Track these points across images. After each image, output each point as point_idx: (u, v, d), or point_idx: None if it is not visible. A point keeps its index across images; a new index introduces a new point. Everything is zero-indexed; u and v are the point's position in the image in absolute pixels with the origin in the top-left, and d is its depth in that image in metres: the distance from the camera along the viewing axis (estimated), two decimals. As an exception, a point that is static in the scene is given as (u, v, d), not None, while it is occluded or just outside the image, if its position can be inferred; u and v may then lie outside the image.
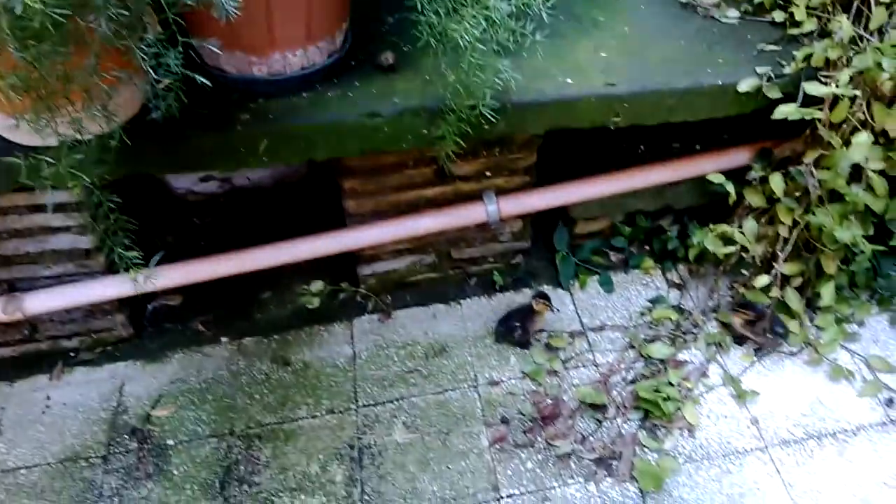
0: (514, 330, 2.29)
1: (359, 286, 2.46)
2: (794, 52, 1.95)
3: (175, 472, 2.06)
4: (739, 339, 2.28)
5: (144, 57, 1.35)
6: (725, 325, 2.32)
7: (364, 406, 2.20)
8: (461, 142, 1.80)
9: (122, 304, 2.28)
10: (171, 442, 2.13)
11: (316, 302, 2.31)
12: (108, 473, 2.06)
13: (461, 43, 1.51)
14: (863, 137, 1.88)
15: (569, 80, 1.86)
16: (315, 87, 1.83)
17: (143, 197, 2.61)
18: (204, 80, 1.41)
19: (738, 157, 2.23)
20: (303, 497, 2.00)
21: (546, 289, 2.47)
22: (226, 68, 1.82)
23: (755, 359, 2.24)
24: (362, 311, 2.46)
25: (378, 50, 1.91)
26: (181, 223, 2.77)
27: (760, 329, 2.21)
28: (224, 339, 2.41)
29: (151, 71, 1.39)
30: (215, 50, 1.50)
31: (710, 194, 2.35)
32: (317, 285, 2.29)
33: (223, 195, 2.86)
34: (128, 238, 1.64)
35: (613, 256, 2.56)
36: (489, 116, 1.71)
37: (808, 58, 1.92)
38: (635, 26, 2.11)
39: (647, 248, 2.55)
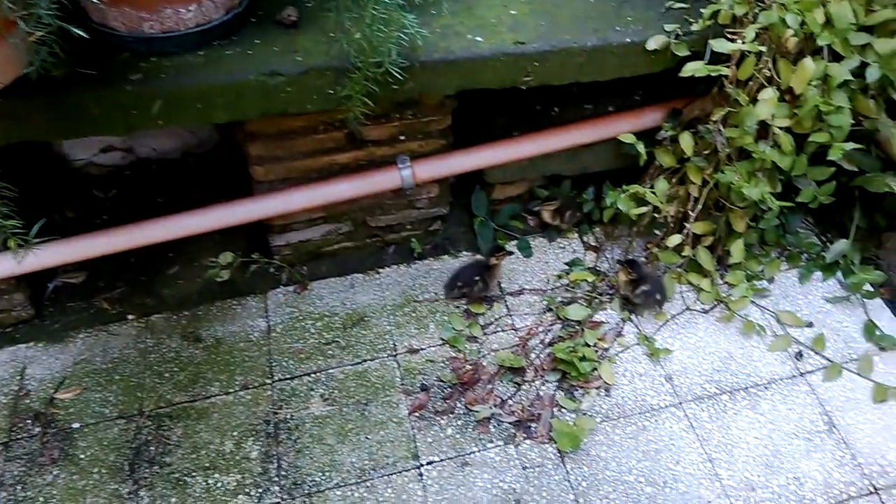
0: (473, 285, 2.25)
1: (272, 258, 2.37)
2: (702, 10, 1.96)
3: (81, 456, 1.96)
4: (624, 299, 2.30)
5: (12, 6, 1.24)
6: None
7: (280, 380, 2.13)
8: (369, 102, 1.74)
9: (21, 283, 2.15)
10: (76, 425, 2.03)
11: (225, 275, 2.22)
12: (9, 461, 1.94)
13: (362, -6, 1.45)
14: (768, 93, 1.90)
15: (478, 39, 1.82)
16: (213, 44, 1.73)
17: (36, 169, 2.46)
18: (80, 32, 1.31)
19: (650, 117, 2.24)
20: (217, 475, 1.93)
21: (465, 254, 2.44)
22: (114, 25, 1.70)
23: (668, 318, 2.27)
24: (277, 283, 2.38)
25: (279, 6, 1.82)
26: (82, 197, 2.63)
27: (641, 292, 2.21)
28: (131, 317, 2.31)
29: (21, 22, 1.28)
30: (98, 3, 1.39)
31: (626, 156, 2.35)
32: (226, 257, 2.19)
33: (127, 167, 2.73)
34: (5, 206, 1.52)
35: (531, 220, 2.55)
36: (396, 74, 1.66)
37: (715, 14, 1.93)
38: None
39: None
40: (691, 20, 1.95)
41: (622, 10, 1.98)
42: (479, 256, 2.38)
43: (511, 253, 2.37)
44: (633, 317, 2.28)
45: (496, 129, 2.32)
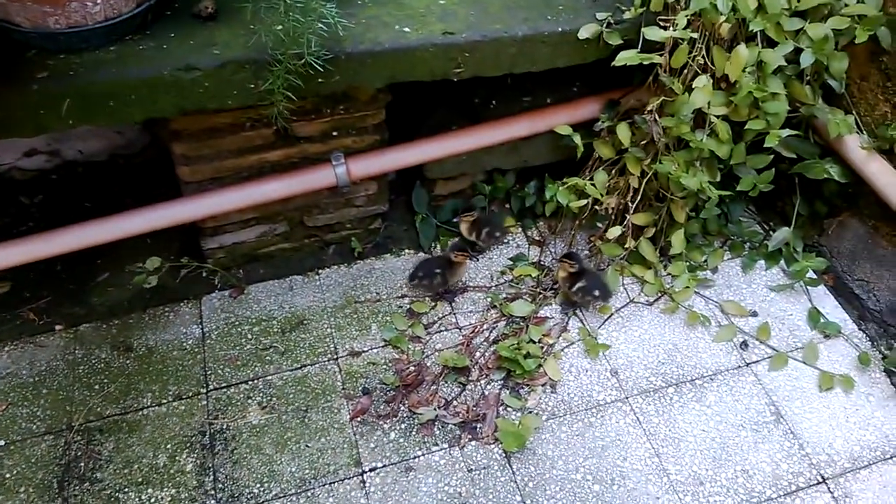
0: (433, 277, 2.21)
1: (205, 261, 2.29)
2: (634, -1, 1.93)
3: (7, 475, 1.86)
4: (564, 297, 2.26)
5: None
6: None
7: (215, 389, 2.05)
8: (293, 96, 1.67)
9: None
10: (1, 443, 1.92)
11: (154, 281, 2.13)
12: (-74, 485, 1.83)
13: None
14: (703, 81, 1.88)
15: (406, 29, 1.76)
16: (125, 39, 1.64)
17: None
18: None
19: (588, 108, 2.20)
20: (150, 491, 1.85)
21: (408, 252, 2.39)
22: (18, 21, 1.60)
23: (613, 311, 2.24)
24: (212, 287, 2.30)
25: (197, -2, 1.74)
26: (7, 203, 2.50)
27: (578, 288, 2.17)
28: (59, 328, 2.20)
29: None
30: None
31: (565, 149, 2.32)
32: (153, 262, 2.10)
33: (53, 171, 2.61)
34: None
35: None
36: (318, 66, 1.59)
37: (646, 2, 1.90)
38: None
39: (507, 206, 2.51)
40: (623, 8, 1.92)
41: (552, 0, 1.93)
42: (444, 253, 2.33)
43: (474, 257, 2.34)
44: (578, 310, 2.24)
45: (434, 123, 2.27)
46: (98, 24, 1.60)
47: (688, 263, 2.28)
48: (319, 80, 1.70)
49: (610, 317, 2.23)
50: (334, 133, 2.07)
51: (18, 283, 2.28)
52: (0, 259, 1.94)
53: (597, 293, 2.18)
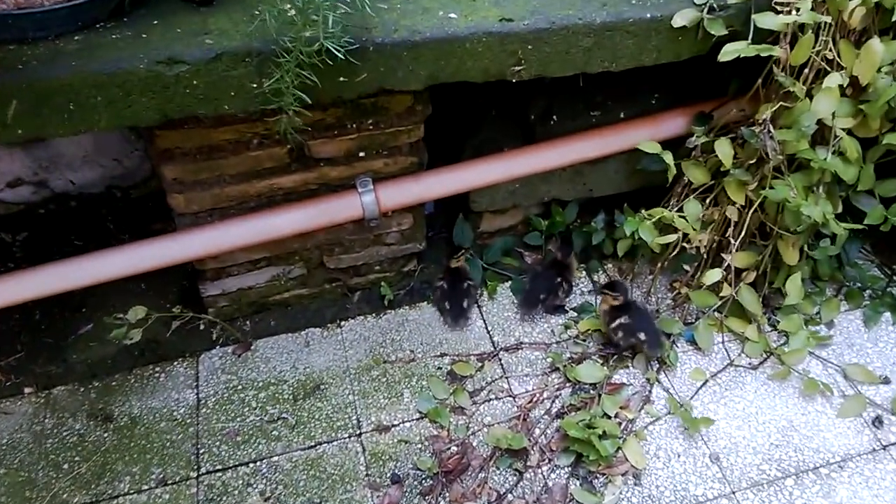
0: (557, 289, 1.93)
1: (206, 311, 1.89)
2: (740, -21, 1.52)
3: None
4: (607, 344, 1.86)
5: None
6: (666, 335, 1.86)
7: (208, 473, 1.64)
8: (307, 99, 1.29)
9: None
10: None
11: (136, 335, 1.72)
12: None
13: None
14: (834, 80, 1.45)
15: (452, 15, 1.37)
16: (94, 27, 1.28)
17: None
18: None
19: (672, 124, 1.79)
20: None
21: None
22: (-43, 3, 1.25)
23: (708, 376, 1.79)
24: (212, 342, 1.90)
25: (190, -21, 1.37)
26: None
27: (619, 325, 1.77)
28: (28, 390, 1.83)
29: None
30: None
31: (641, 175, 1.91)
32: (136, 312, 1.70)
33: (41, 204, 2.26)
34: None
35: (528, 257, 2.08)
36: (338, 55, 1.20)
37: (758, -16, 1.49)
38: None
39: (567, 245, 2.08)
40: (725, -6, 1.51)
41: (636, -17, 1.54)
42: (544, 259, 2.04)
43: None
44: (662, 376, 1.79)
45: (481, 143, 1.87)
46: (56, 5, 1.23)
47: (800, 316, 1.82)
48: (341, 77, 1.32)
49: (704, 384, 1.78)
50: (361, 154, 1.68)
51: (-13, 335, 1.92)
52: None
53: (643, 336, 1.76)
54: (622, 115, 1.88)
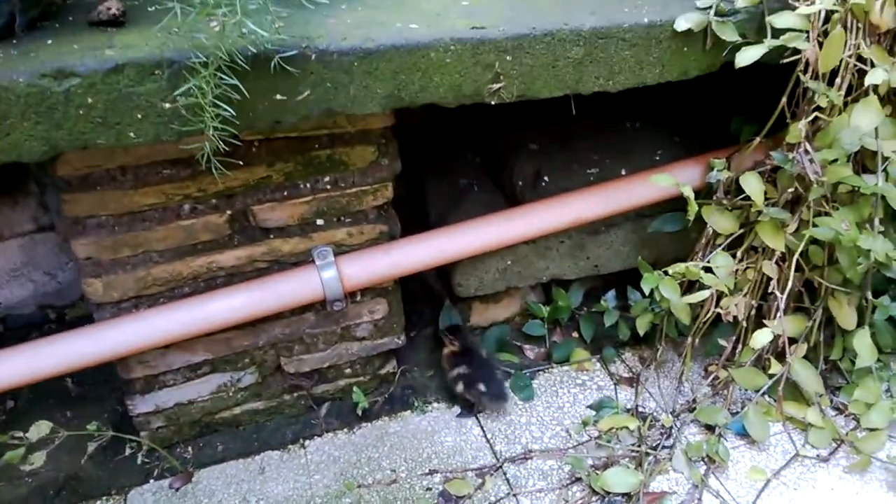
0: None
1: (138, 433, 1.53)
2: (744, -14, 1.32)
3: None
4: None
5: None
6: (708, 427, 1.50)
7: None
8: (233, 114, 1.02)
9: None
10: None
11: (38, 460, 1.34)
12: None
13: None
14: (878, 76, 1.21)
15: (413, 25, 1.15)
16: (-28, 50, 1.04)
17: None
18: None
19: (682, 174, 1.53)
20: None
21: (436, 406, 1.62)
22: None
23: (769, 475, 1.40)
24: (145, 475, 1.51)
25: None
26: None
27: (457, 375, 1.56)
28: None
29: None
30: None
31: (654, 244, 1.65)
32: (40, 428, 1.31)
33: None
34: None
35: (529, 350, 1.75)
36: (270, 63, 0.96)
37: (766, -15, 1.29)
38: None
39: (575, 333, 1.76)
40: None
41: (626, -3, 1.34)
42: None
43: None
44: (712, 478, 1.40)
45: (461, 219, 1.60)
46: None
47: (871, 390, 1.47)
48: (277, 95, 1.07)
49: (766, 484, 1.38)
50: (318, 221, 1.41)
51: None
52: None
53: (483, 388, 1.54)
54: (623, 173, 1.63)
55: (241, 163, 1.26)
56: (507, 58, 1.17)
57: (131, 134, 1.04)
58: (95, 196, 1.25)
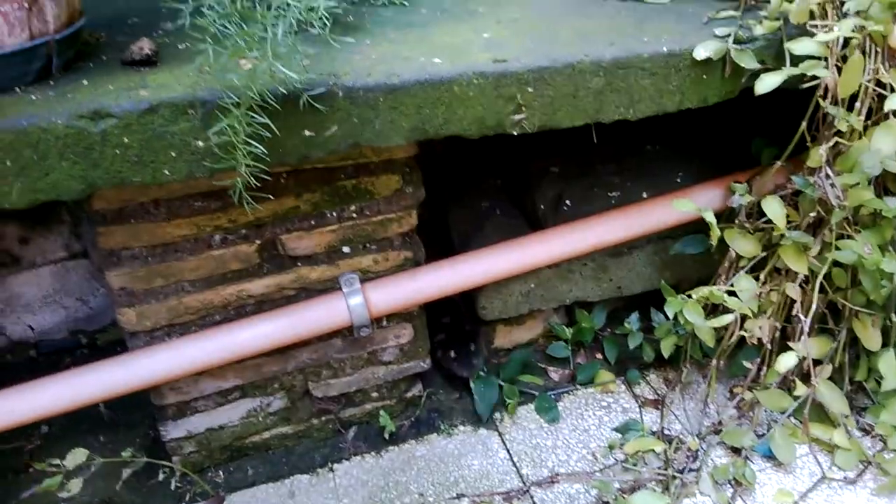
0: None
1: (169, 458, 1.56)
2: (761, 13, 1.34)
3: None
4: None
5: None
6: (734, 450, 1.50)
7: None
8: (264, 153, 1.06)
9: None
10: None
11: (75, 487, 1.38)
12: None
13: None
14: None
15: (436, 60, 1.18)
16: (12, 89, 1.08)
17: None
18: None
19: (703, 197, 1.54)
20: None
21: (462, 429, 1.63)
22: None
23: (797, 497, 1.40)
24: (177, 500, 1.54)
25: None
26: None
27: None
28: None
29: None
30: None
31: (674, 267, 1.66)
32: (76, 456, 1.36)
33: (-3, 357, 1.99)
34: None
35: (553, 372, 1.76)
36: (300, 101, 0.99)
37: (783, 16, 1.30)
38: (531, 9, 1.45)
39: (598, 355, 1.77)
40: (752, 22, 1.31)
41: (644, 25, 1.35)
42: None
43: None
44: (739, 501, 1.41)
45: (483, 242, 1.62)
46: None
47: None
48: (306, 131, 1.10)
49: (795, 506, 1.39)
50: (345, 249, 1.44)
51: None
52: None
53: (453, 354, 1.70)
54: (644, 196, 1.64)
55: (270, 196, 1.29)
56: (529, 89, 1.19)
57: (166, 171, 1.08)
58: (129, 228, 1.29)
